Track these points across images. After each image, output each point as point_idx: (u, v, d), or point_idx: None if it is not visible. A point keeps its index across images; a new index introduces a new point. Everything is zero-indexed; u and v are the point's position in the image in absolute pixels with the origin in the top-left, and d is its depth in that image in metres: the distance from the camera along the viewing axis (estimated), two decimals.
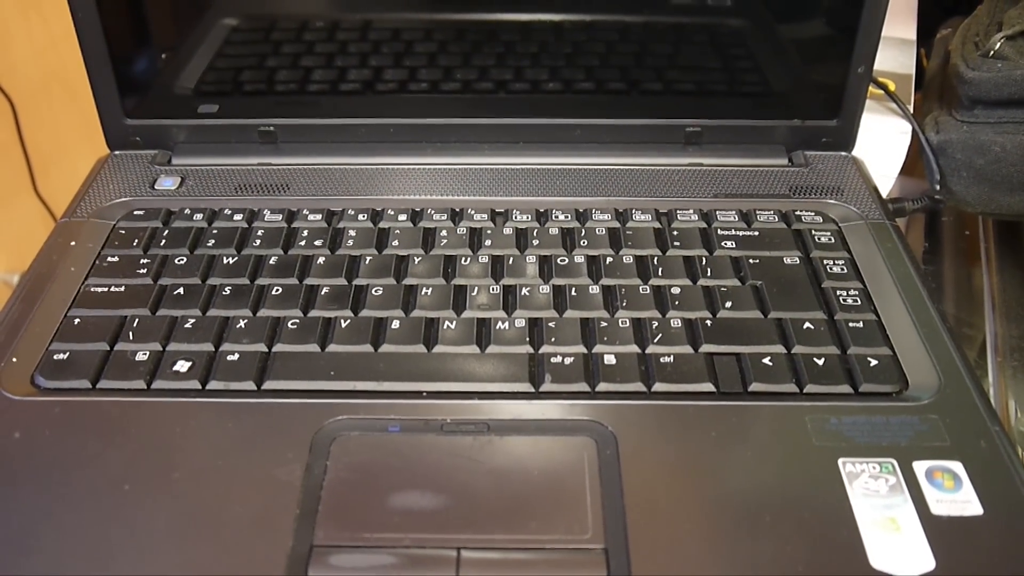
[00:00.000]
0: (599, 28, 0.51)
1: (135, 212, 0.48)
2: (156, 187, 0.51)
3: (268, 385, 0.39)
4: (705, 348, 0.40)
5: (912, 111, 0.56)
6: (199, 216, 0.48)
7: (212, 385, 0.39)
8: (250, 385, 0.38)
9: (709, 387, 0.38)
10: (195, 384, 0.39)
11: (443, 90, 0.53)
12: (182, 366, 0.39)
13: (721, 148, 0.53)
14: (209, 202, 0.49)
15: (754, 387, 0.38)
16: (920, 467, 0.35)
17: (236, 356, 0.40)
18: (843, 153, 0.53)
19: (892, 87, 0.57)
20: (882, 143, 0.55)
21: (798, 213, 0.48)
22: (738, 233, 0.46)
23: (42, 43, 1.05)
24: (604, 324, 0.41)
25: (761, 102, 0.53)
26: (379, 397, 0.38)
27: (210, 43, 0.53)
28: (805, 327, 0.41)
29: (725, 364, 0.39)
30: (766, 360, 0.39)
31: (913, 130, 0.54)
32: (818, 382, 0.38)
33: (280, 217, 0.48)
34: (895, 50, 0.62)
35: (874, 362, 0.39)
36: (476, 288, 0.43)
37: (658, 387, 0.38)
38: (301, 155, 0.52)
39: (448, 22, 0.51)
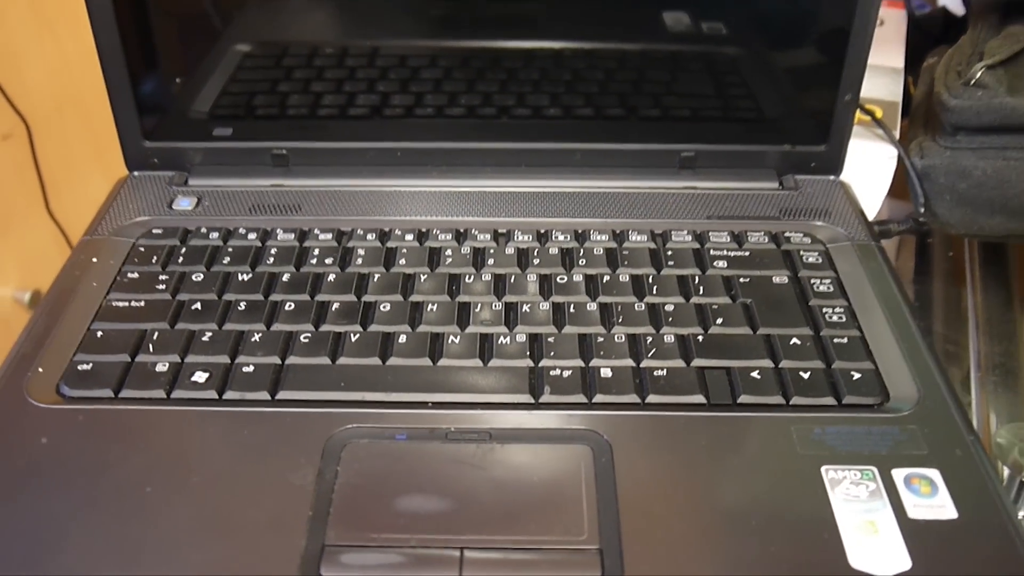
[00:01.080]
0: (598, 56, 0.54)
1: (154, 231, 0.50)
2: (174, 207, 0.53)
3: (282, 395, 0.41)
4: (697, 362, 0.42)
5: (899, 137, 0.58)
6: (215, 235, 0.50)
7: (228, 395, 0.41)
8: (264, 395, 0.41)
9: (700, 399, 0.40)
10: (212, 394, 0.41)
11: (448, 115, 0.55)
12: (200, 377, 0.41)
13: (714, 172, 0.55)
14: (224, 221, 0.51)
15: (743, 399, 0.40)
16: (899, 474, 0.37)
17: (251, 368, 0.42)
18: (831, 177, 0.55)
19: (879, 114, 0.59)
20: (869, 167, 0.57)
21: (787, 234, 0.50)
22: (730, 253, 0.49)
23: (56, 66, 1.08)
24: (601, 339, 0.43)
25: (753, 128, 0.55)
26: (387, 407, 0.40)
27: (224, 69, 0.55)
28: (792, 343, 0.43)
29: (716, 377, 0.41)
30: (754, 374, 0.41)
31: (899, 155, 0.56)
32: (803, 394, 0.40)
33: (292, 236, 0.50)
34: (884, 78, 0.65)
35: (857, 376, 0.41)
36: (479, 305, 0.45)
37: (652, 399, 0.40)
38: (312, 177, 0.55)
39: (453, 49, 0.54)
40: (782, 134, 0.55)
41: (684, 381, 0.41)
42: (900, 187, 0.58)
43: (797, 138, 0.55)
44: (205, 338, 0.43)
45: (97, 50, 0.52)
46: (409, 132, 0.55)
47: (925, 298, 0.61)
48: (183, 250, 0.49)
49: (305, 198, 0.53)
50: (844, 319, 0.44)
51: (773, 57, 0.54)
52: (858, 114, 0.57)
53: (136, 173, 0.56)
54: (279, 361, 0.42)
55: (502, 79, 0.54)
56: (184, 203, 0.53)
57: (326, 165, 0.55)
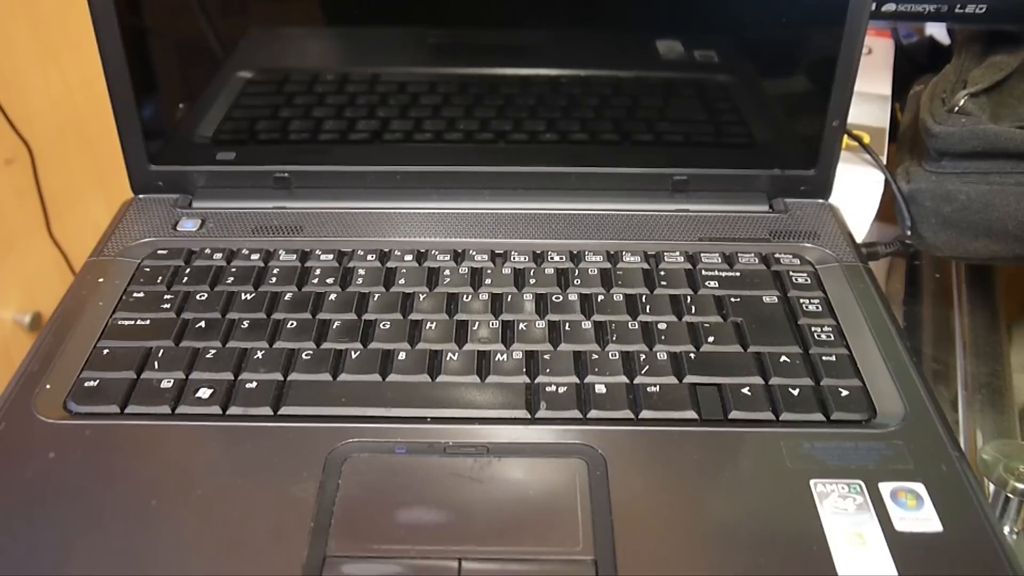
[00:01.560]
0: (593, 83, 0.55)
1: (159, 251, 0.52)
2: (178, 228, 0.54)
3: (284, 411, 0.42)
4: (689, 379, 0.43)
5: (886, 162, 0.60)
6: (219, 255, 0.51)
7: (232, 411, 0.42)
8: (267, 411, 0.42)
9: (692, 415, 0.41)
10: (216, 409, 0.42)
11: (447, 140, 0.57)
12: (204, 393, 0.42)
13: (706, 195, 0.56)
14: (228, 243, 0.52)
15: (734, 415, 0.41)
16: (885, 488, 0.38)
17: (254, 384, 0.43)
18: (820, 200, 0.56)
19: (867, 139, 0.61)
20: (857, 191, 0.58)
21: (777, 256, 0.51)
22: (721, 274, 0.50)
23: (59, 93, 1.10)
24: (595, 357, 0.44)
25: (744, 153, 0.57)
26: (387, 422, 0.41)
27: (227, 95, 0.56)
28: (782, 360, 0.44)
29: (707, 394, 0.42)
30: (745, 390, 0.42)
31: (886, 179, 0.58)
32: (793, 410, 0.41)
33: (294, 257, 0.51)
34: (872, 104, 0.66)
35: (845, 392, 0.42)
36: (477, 323, 0.46)
37: (645, 414, 0.41)
38: (314, 200, 0.56)
39: (452, 76, 0.55)
40: (772, 159, 0.56)
41: (677, 397, 0.42)
42: (887, 210, 0.60)
43: (787, 162, 0.56)
44: (209, 355, 0.44)
45: (105, 76, 0.54)
46: (408, 156, 0.57)
47: (914, 319, 0.63)
48: (187, 270, 0.50)
49: (307, 220, 0.55)
50: (832, 338, 0.46)
51: (763, 84, 0.56)
52: (846, 140, 0.58)
53: (141, 196, 0.57)
54: (281, 377, 0.43)
55: (499, 105, 0.56)
56: (188, 225, 0.54)
57: (327, 188, 0.57)
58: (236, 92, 0.57)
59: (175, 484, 0.38)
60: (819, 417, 0.41)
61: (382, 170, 0.57)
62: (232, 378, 0.43)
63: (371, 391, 0.43)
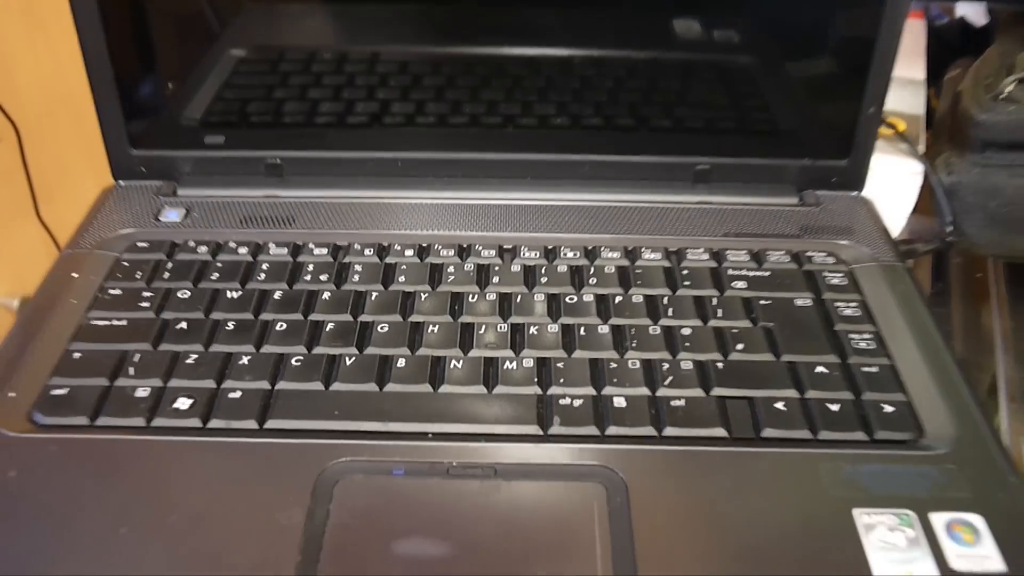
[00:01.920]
0: (608, 63, 0.51)
1: (139, 244, 0.48)
2: (160, 219, 0.50)
3: (270, 424, 0.38)
4: (717, 391, 0.39)
5: (923, 152, 0.55)
6: (203, 249, 0.47)
7: (213, 423, 0.38)
8: (252, 424, 0.38)
9: (721, 432, 0.37)
10: (195, 422, 0.38)
11: (451, 124, 0.53)
12: (183, 403, 0.38)
13: (730, 186, 0.52)
14: (214, 234, 0.48)
15: (767, 433, 0.37)
16: (939, 519, 0.34)
17: (238, 394, 0.39)
18: (853, 193, 0.52)
19: (902, 127, 0.56)
20: (893, 184, 0.54)
21: (809, 254, 0.47)
22: (749, 273, 0.46)
23: (48, 68, 1.05)
24: (614, 365, 0.40)
25: (771, 141, 0.53)
26: (384, 438, 0.37)
27: (218, 74, 0.52)
28: (818, 371, 0.40)
29: (737, 408, 0.39)
30: (779, 405, 0.38)
31: (924, 171, 0.54)
32: (832, 428, 0.38)
33: (285, 251, 0.47)
34: (905, 90, 0.62)
35: (889, 409, 0.38)
36: (483, 326, 0.42)
37: (669, 431, 0.37)
38: (307, 188, 0.52)
39: (456, 56, 0.51)
40: (802, 147, 0.52)
41: (703, 412, 0.38)
42: (923, 204, 0.56)
43: (817, 152, 0.52)
44: (190, 360, 0.40)
45: (82, 52, 0.50)
46: (410, 141, 0.53)
47: (944, 320, 0.58)
48: (169, 265, 0.46)
49: (300, 210, 0.50)
50: (872, 346, 0.42)
51: (793, 66, 0.51)
52: (880, 127, 0.54)
53: (122, 183, 0.53)
54: (268, 386, 0.39)
55: (508, 87, 0.51)
56: (172, 215, 0.50)
57: (322, 175, 0.53)
58: (228, 71, 0.53)
59: (147, 509, 0.34)
60: (861, 436, 0.37)
61: (381, 156, 0.53)
62: (214, 386, 0.39)
63: (367, 403, 0.39)
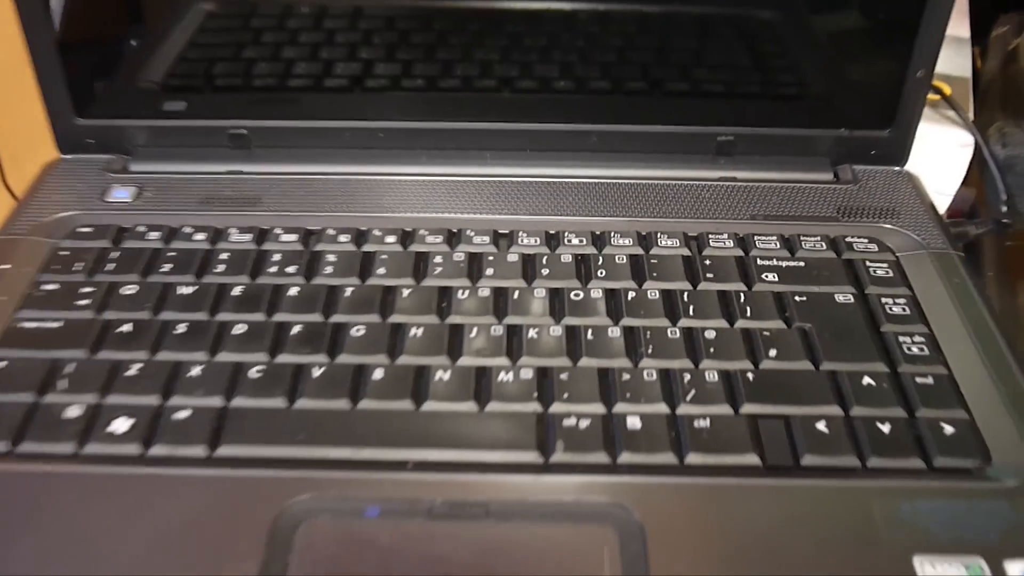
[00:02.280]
0: (618, 19, 0.45)
1: (80, 229, 0.42)
2: (108, 199, 0.44)
3: (222, 451, 0.32)
4: (747, 408, 0.33)
5: (972, 120, 0.49)
6: (155, 235, 0.41)
7: (155, 451, 0.32)
8: (201, 451, 0.32)
9: (754, 460, 0.32)
10: (135, 449, 0.32)
11: (441, 88, 0.46)
12: (121, 425, 0.33)
13: (756, 160, 0.46)
14: (168, 218, 0.42)
15: (807, 460, 0.32)
16: (1015, 569, 0.28)
17: (186, 413, 0.33)
18: (896, 168, 0.46)
19: (948, 91, 0.50)
20: (938, 156, 0.48)
21: (848, 240, 0.41)
22: (780, 264, 0.40)
23: (13, 25, 0.98)
24: (626, 377, 0.34)
25: (803, 107, 0.46)
26: (356, 468, 0.32)
27: (183, 30, 0.46)
28: (864, 383, 0.34)
29: (771, 430, 0.33)
30: (820, 425, 0.33)
31: (975, 142, 0.47)
32: (883, 454, 0.32)
33: (249, 237, 0.41)
34: (947, 49, 0.55)
35: (949, 429, 0.33)
36: (474, 328, 0.36)
37: (692, 459, 0.32)
38: (276, 162, 0.46)
39: (448, 10, 0.45)
40: (838, 115, 0.46)
41: (733, 435, 0.32)
42: (970, 180, 0.50)
43: (856, 120, 0.46)
44: (132, 371, 0.35)
45: (15, 4, 0.43)
46: (394, 109, 0.46)
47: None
48: (114, 254, 0.40)
49: (267, 188, 0.44)
50: (926, 351, 0.36)
51: (828, 21, 0.45)
52: None
53: (68, 157, 0.47)
54: (222, 403, 0.34)
55: (505, 45, 0.45)
56: (121, 194, 0.44)
57: (294, 148, 0.46)
58: (193, 27, 0.46)
59: (72, 560, 0.28)
60: (918, 464, 0.32)
61: (362, 126, 0.46)
62: (159, 403, 0.34)
63: (337, 424, 0.33)
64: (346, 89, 0.47)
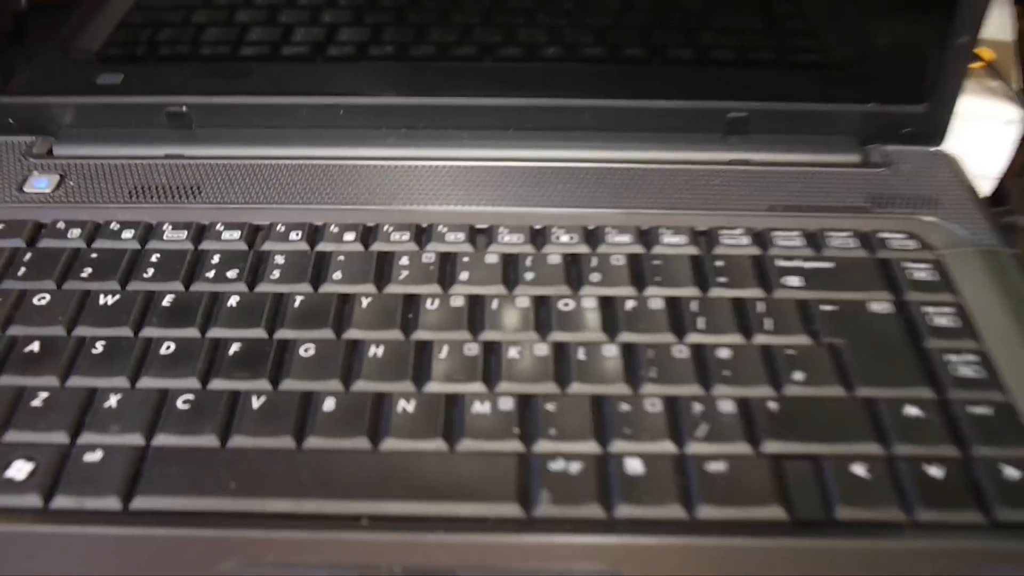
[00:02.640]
0: None
1: None
2: (26, 189, 0.38)
3: (138, 503, 0.27)
4: (769, 447, 0.28)
5: (1018, 90, 0.43)
6: (76, 232, 0.35)
7: (58, 503, 0.27)
8: (114, 503, 0.27)
9: (779, 513, 0.26)
10: (35, 500, 0.27)
11: (413, 57, 0.40)
12: (19, 470, 0.27)
13: (773, 140, 0.40)
14: (92, 212, 0.37)
15: (842, 513, 0.26)
16: None
17: (98, 455, 0.28)
18: (933, 148, 0.40)
19: (992, 56, 0.44)
20: (980, 134, 0.42)
21: (882, 235, 0.35)
22: (804, 264, 0.34)
23: None
24: (625, 407, 0.29)
25: (825, 79, 0.40)
26: (298, 526, 0.26)
27: None
28: (906, 413, 0.29)
29: (799, 474, 0.27)
30: (857, 468, 0.27)
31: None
32: (934, 506, 0.26)
33: (185, 235, 0.35)
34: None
35: (1012, 473, 0.27)
36: (444, 347, 0.31)
37: (704, 512, 0.26)
38: (221, 145, 0.40)
39: None
40: (866, 87, 0.40)
41: (753, 481, 0.27)
42: (1017, 161, 0.44)
43: (887, 93, 0.40)
44: (37, 402, 0.29)
45: None
46: (359, 82, 0.41)
47: None
48: (27, 256, 0.34)
49: (209, 176, 0.38)
50: (979, 373, 0.30)
51: None
52: None
53: None
54: (142, 442, 0.28)
55: (486, 6, 0.39)
56: (40, 183, 0.38)
57: (241, 127, 0.40)
58: None
59: None
60: (977, 518, 0.26)
61: (321, 102, 0.40)
62: (67, 442, 0.28)
63: (277, 468, 0.27)
64: (305, 58, 0.41)
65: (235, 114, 0.40)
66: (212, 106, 0.40)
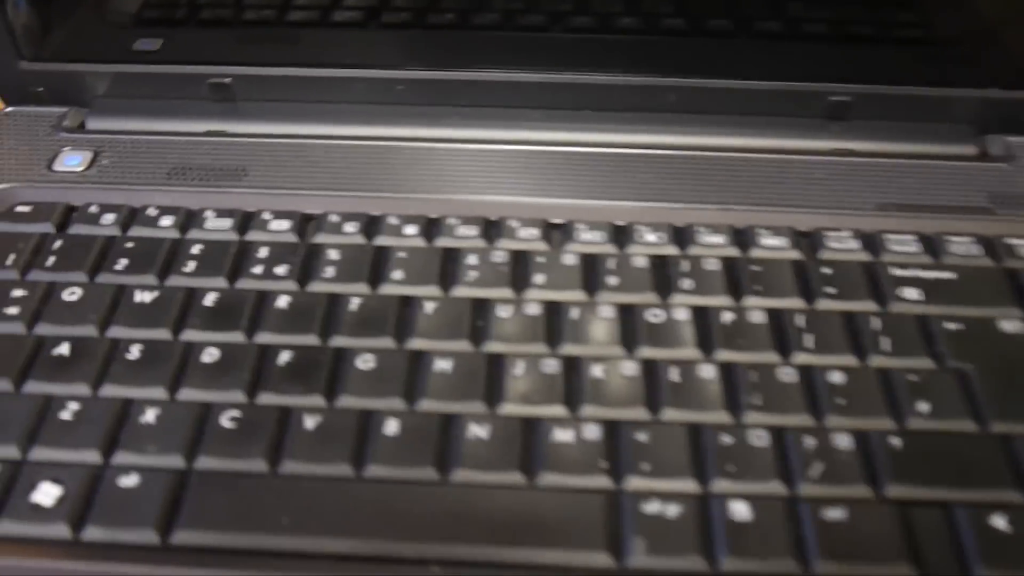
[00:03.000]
0: None
1: (18, 209, 0.33)
2: (56, 167, 0.35)
3: (179, 538, 0.24)
4: (893, 491, 0.24)
5: None
6: (110, 217, 0.32)
7: (89, 534, 0.24)
8: (151, 536, 0.24)
9: (908, 571, 0.23)
10: (63, 531, 0.24)
11: (478, 26, 0.37)
12: (47, 494, 0.24)
13: (878, 128, 0.36)
14: (128, 195, 0.33)
15: (982, 574, 0.23)
16: None
17: (134, 479, 0.25)
18: None
19: None
20: None
21: (1008, 241, 0.31)
22: (923, 274, 0.30)
23: None
24: (727, 439, 0.25)
25: (940, 58, 0.36)
26: (360, 570, 0.23)
27: None
28: None
29: (928, 524, 0.24)
30: (996, 520, 0.24)
31: None
32: None
33: (229, 223, 0.32)
34: None
35: None
36: (519, 362, 0.27)
37: (823, 568, 0.23)
38: (268, 121, 0.36)
39: None
40: (986, 69, 0.35)
41: (877, 532, 0.23)
42: None
43: (1010, 76, 0.35)
44: (66, 414, 0.26)
45: None
46: (419, 53, 0.37)
47: None
48: (57, 244, 0.31)
49: (255, 156, 0.35)
50: None
51: None
52: None
53: (11, 110, 0.38)
54: (182, 464, 0.25)
55: None
56: (72, 160, 0.35)
57: (289, 102, 0.37)
58: None
59: None
60: None
61: (377, 75, 0.37)
62: (99, 463, 0.25)
63: (335, 499, 0.24)
64: (359, 25, 0.38)
65: (283, 87, 0.37)
66: (258, 77, 0.37)
